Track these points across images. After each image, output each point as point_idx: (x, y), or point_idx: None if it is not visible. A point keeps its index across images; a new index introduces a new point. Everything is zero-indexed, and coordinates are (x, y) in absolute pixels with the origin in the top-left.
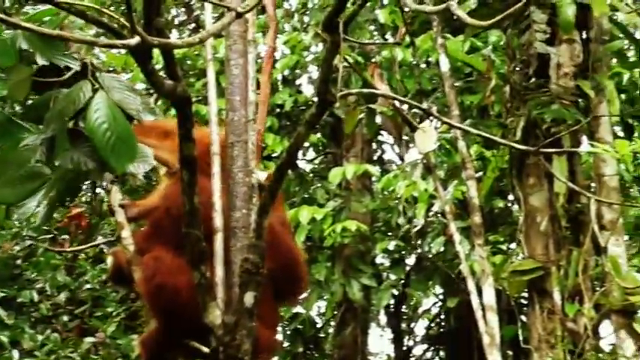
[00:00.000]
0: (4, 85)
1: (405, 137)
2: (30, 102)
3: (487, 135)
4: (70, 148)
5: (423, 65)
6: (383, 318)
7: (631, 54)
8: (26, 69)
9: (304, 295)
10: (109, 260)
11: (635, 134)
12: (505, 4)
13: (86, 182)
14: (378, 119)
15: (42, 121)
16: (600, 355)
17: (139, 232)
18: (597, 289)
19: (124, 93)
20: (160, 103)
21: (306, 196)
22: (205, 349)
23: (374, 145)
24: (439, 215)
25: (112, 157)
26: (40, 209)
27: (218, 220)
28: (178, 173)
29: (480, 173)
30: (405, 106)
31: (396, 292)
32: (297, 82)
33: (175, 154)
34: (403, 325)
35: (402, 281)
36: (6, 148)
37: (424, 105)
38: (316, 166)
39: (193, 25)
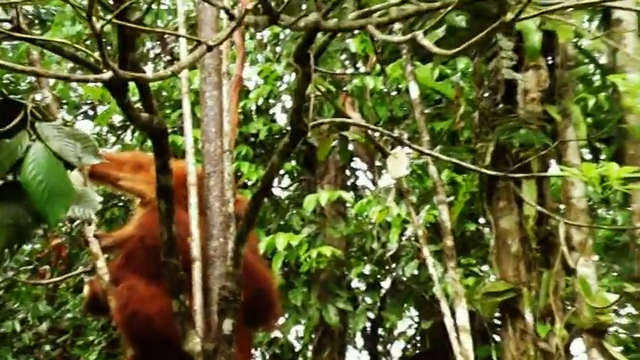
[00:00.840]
0: None
1: (377, 163)
2: None
3: (457, 161)
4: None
5: (394, 93)
6: (360, 340)
7: (596, 79)
8: None
9: (281, 319)
10: (85, 290)
11: (602, 157)
12: (472, 33)
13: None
14: (351, 146)
15: None
16: None
17: (113, 262)
18: (568, 309)
19: (63, 141)
20: (136, 134)
21: (281, 222)
22: None
23: (347, 172)
24: (412, 239)
25: (47, 208)
26: None
27: (196, 250)
28: (152, 203)
29: (452, 197)
30: (377, 133)
31: (371, 315)
32: (271, 111)
33: (149, 185)
34: (379, 348)
35: (378, 304)
36: None
37: (395, 132)
38: (291, 193)
39: (168, 57)
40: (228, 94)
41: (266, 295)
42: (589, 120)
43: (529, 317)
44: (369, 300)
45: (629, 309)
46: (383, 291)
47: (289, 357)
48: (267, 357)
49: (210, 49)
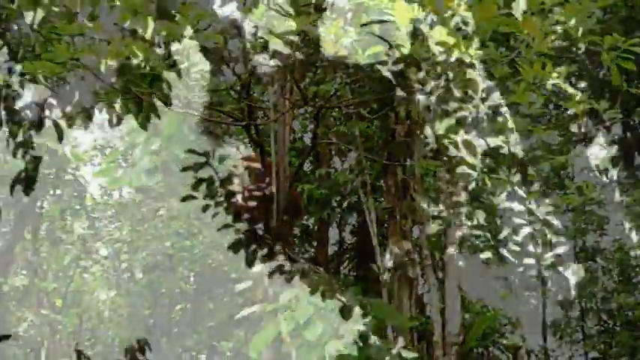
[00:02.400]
0: None
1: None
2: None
3: (373, 157)
4: None
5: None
6: (334, 225)
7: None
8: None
9: (304, 216)
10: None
11: None
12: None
13: None
14: (333, 152)
15: None
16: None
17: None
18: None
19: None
20: (252, 146)
21: (307, 180)
22: (268, 236)
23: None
24: (355, 186)
25: None
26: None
27: (274, 186)
28: (257, 169)
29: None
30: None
31: (339, 216)
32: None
33: (256, 164)
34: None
35: (342, 210)
36: None
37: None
38: (309, 169)
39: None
40: (286, 132)
41: (299, 207)
42: None
43: (398, 216)
44: (338, 210)
45: None
46: (344, 206)
47: (307, 231)
48: (299, 231)
49: (282, 114)
